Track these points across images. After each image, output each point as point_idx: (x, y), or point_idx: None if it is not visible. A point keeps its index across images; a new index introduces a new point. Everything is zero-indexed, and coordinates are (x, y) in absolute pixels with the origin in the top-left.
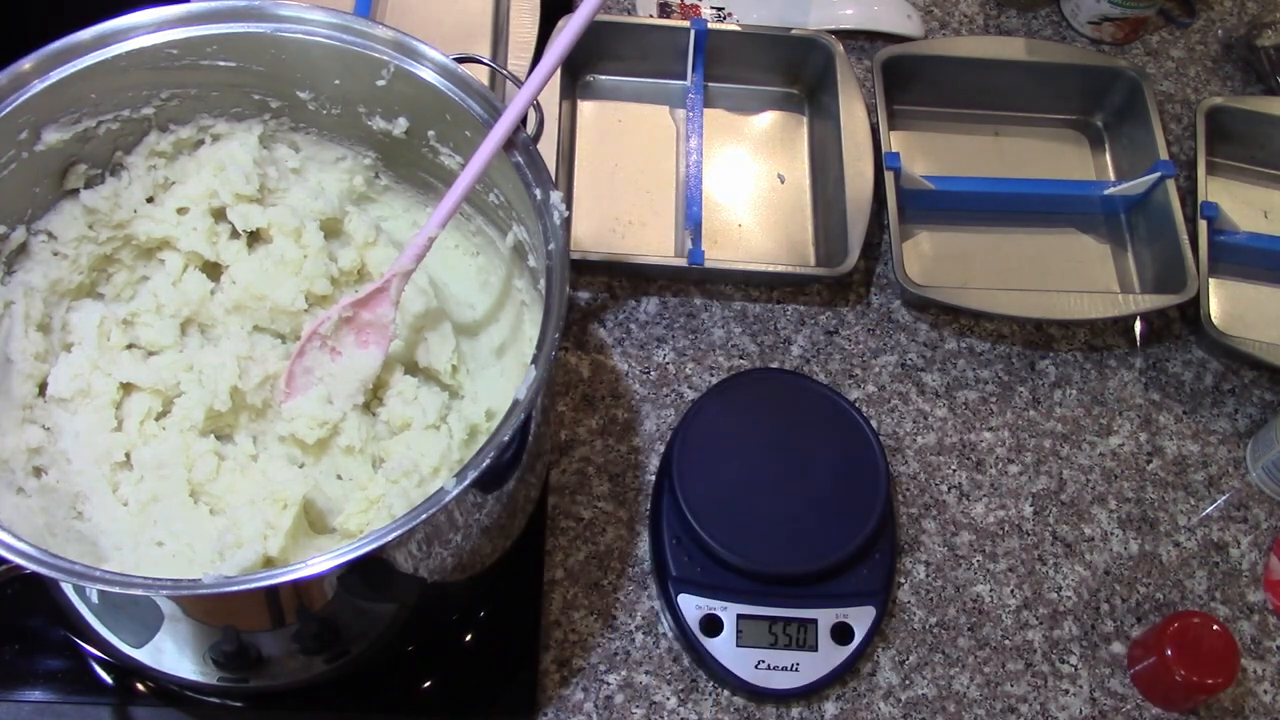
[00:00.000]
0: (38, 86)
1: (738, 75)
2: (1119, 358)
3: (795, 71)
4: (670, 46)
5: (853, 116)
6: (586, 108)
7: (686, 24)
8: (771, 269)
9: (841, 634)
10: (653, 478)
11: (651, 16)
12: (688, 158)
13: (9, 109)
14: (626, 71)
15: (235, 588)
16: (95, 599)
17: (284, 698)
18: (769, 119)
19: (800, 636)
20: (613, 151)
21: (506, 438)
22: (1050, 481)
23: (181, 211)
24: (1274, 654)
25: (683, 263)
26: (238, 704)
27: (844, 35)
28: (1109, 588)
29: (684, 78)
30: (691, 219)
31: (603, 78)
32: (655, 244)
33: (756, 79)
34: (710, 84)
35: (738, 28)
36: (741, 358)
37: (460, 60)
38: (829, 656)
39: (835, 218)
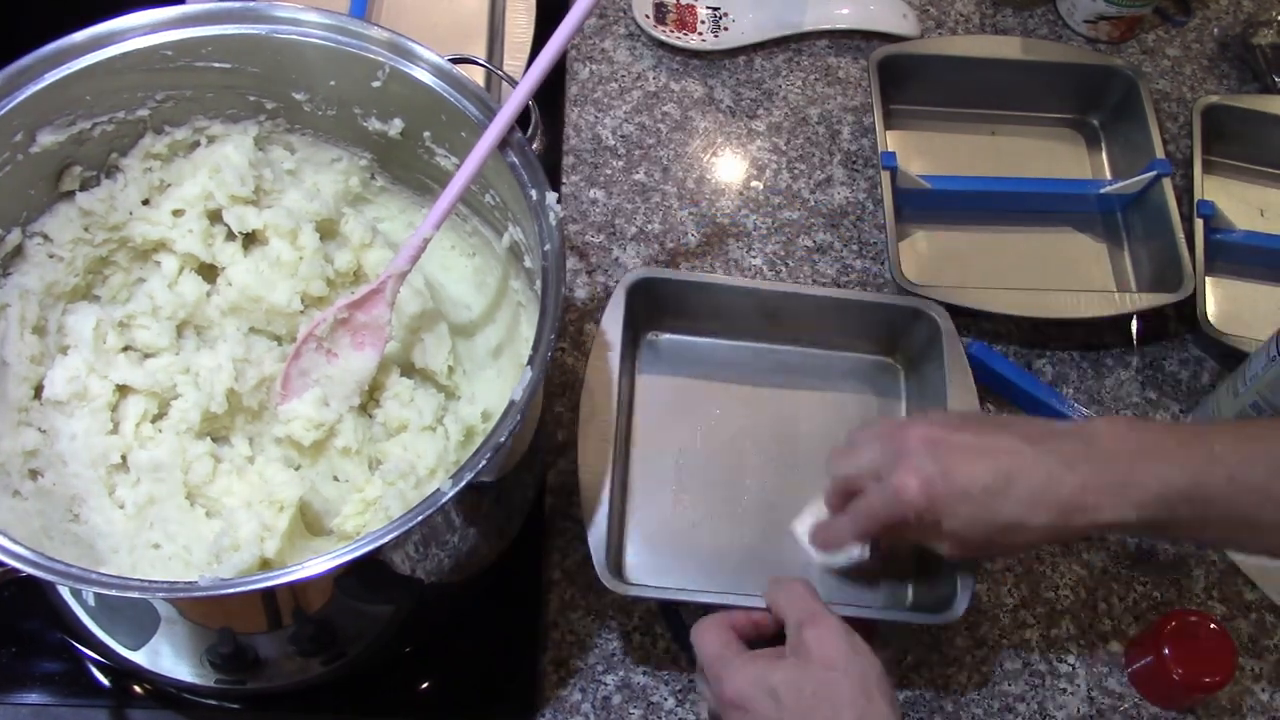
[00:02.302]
0: (32, 88)
1: (825, 341)
2: (1116, 356)
3: (893, 340)
4: (747, 306)
5: (962, 403)
6: (645, 380)
7: (772, 288)
8: (868, 615)
9: None
10: None
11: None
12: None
13: (4, 111)
14: (697, 330)
15: (232, 590)
16: (92, 601)
17: (281, 699)
18: (862, 401)
19: None
20: (676, 435)
21: (503, 439)
22: None
23: (177, 214)
24: (1271, 652)
25: (761, 602)
26: (235, 706)
27: (840, 35)
28: (1106, 586)
29: (763, 338)
30: None
31: (667, 336)
32: (724, 560)
33: (846, 345)
34: (795, 348)
35: (829, 294)
36: None
37: (455, 61)
38: None
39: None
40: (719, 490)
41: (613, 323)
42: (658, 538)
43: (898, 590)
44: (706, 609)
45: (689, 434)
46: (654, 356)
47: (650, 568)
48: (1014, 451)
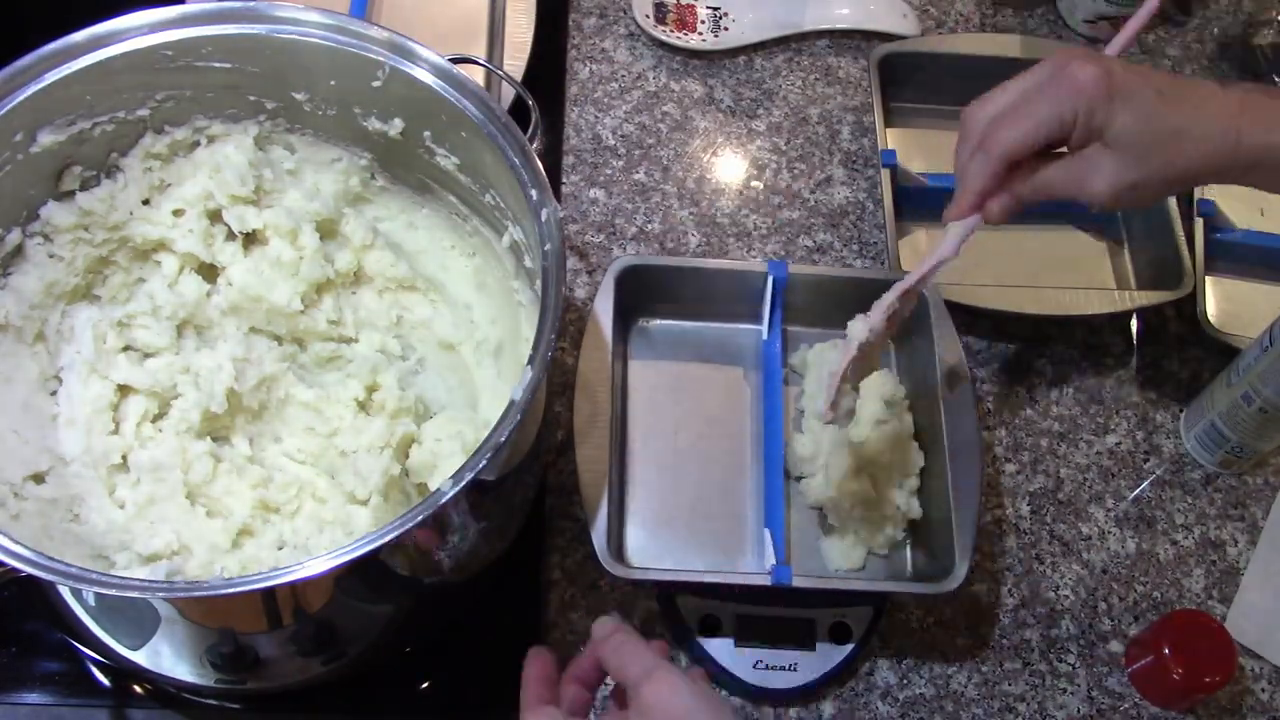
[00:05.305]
0: (33, 88)
1: (813, 318)
2: (1116, 356)
3: None
4: (741, 290)
5: (953, 375)
6: (638, 367)
7: (763, 269)
8: (868, 587)
9: (839, 633)
10: None
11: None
12: (766, 443)
13: (4, 111)
14: (687, 315)
15: (232, 590)
16: (92, 601)
17: (281, 699)
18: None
19: (798, 636)
20: (670, 420)
21: (503, 439)
22: (1048, 480)
23: (177, 213)
24: None
25: (764, 580)
26: (235, 706)
27: (840, 35)
28: (1106, 586)
29: (753, 320)
30: (773, 523)
31: (658, 322)
32: (724, 543)
33: (835, 322)
34: (784, 327)
35: (823, 271)
36: None
37: (456, 61)
38: (827, 656)
39: (937, 510)
40: (715, 472)
41: (603, 310)
42: (657, 522)
43: (897, 562)
44: (707, 589)
45: (683, 417)
46: (645, 343)
47: (650, 552)
48: (1180, 79)
